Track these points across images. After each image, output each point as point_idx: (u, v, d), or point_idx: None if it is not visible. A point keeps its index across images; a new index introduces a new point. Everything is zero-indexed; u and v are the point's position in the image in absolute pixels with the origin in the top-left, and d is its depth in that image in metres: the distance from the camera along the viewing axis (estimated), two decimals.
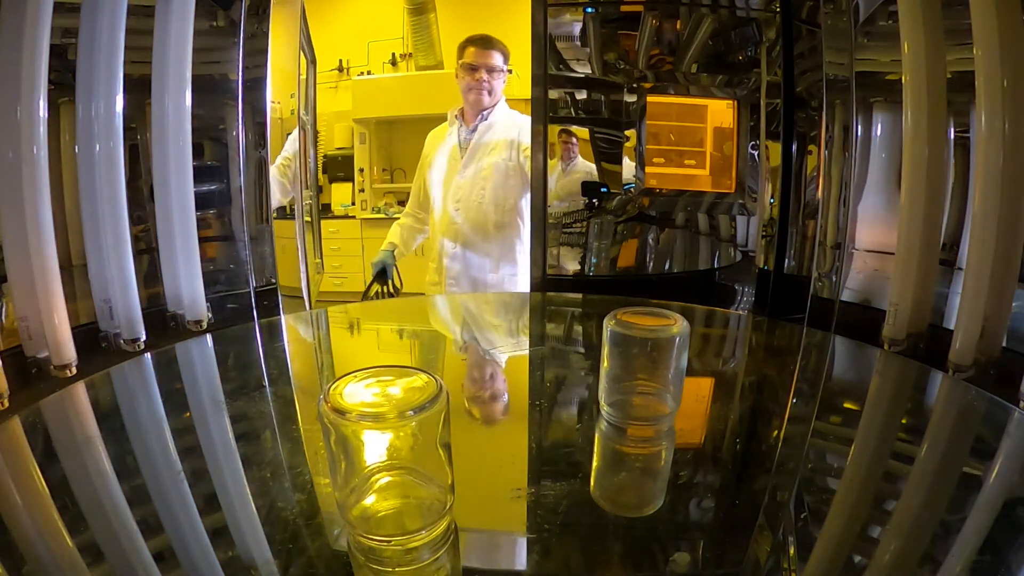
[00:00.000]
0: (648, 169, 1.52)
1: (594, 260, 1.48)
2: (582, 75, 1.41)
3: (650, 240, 1.50)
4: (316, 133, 2.20)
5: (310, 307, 1.52)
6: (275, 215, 1.33)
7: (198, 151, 1.10)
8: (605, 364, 0.59)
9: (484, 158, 1.67)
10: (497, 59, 1.64)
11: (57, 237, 0.84)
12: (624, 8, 1.40)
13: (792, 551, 0.42)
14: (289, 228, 1.50)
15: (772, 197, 1.40)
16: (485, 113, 1.67)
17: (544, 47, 1.37)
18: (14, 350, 0.82)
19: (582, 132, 1.44)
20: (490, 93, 1.65)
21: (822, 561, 0.40)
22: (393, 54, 4.48)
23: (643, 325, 0.56)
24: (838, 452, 0.59)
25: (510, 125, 1.69)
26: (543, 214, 1.44)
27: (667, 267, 1.51)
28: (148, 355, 0.90)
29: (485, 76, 1.63)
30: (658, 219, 1.50)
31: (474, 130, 1.67)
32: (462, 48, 1.68)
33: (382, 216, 4.32)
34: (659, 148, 1.54)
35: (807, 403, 0.74)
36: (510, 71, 1.71)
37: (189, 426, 0.66)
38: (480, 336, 1.10)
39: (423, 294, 1.85)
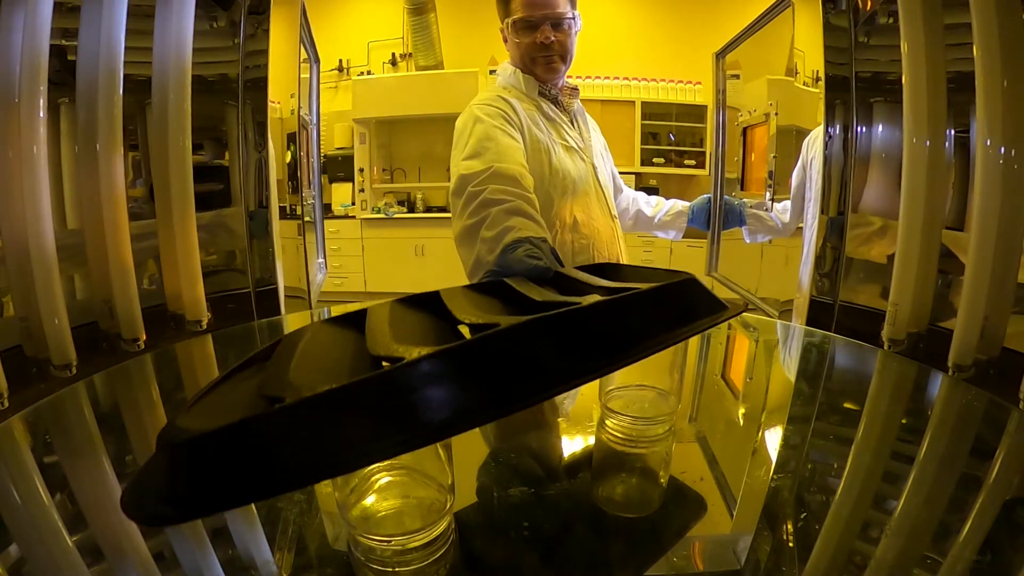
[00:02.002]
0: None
1: None
2: None
3: None
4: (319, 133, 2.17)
5: (311, 306, 1.52)
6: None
7: (198, 151, 1.10)
8: None
9: (595, 146, 1.25)
10: (561, 5, 1.11)
11: (57, 237, 0.84)
12: None
13: (792, 551, 0.42)
14: (291, 228, 1.50)
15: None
16: (579, 104, 1.22)
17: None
18: (14, 350, 0.82)
19: None
20: (563, 58, 1.14)
21: (822, 561, 0.40)
22: (393, 54, 4.48)
23: None
24: (838, 452, 0.59)
25: (589, 118, 1.29)
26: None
27: None
28: (148, 355, 0.90)
29: (552, 35, 1.10)
30: None
31: (577, 113, 1.23)
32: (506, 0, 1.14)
33: (382, 216, 4.32)
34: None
35: (807, 403, 0.74)
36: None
37: None
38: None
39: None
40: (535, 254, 0.75)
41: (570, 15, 1.12)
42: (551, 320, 0.34)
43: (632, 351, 0.36)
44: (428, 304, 0.50)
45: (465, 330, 0.43)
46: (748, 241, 1.61)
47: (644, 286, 0.44)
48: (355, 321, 0.46)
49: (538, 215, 0.91)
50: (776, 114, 1.44)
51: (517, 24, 1.11)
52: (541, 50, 1.11)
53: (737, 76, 1.69)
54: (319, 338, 0.42)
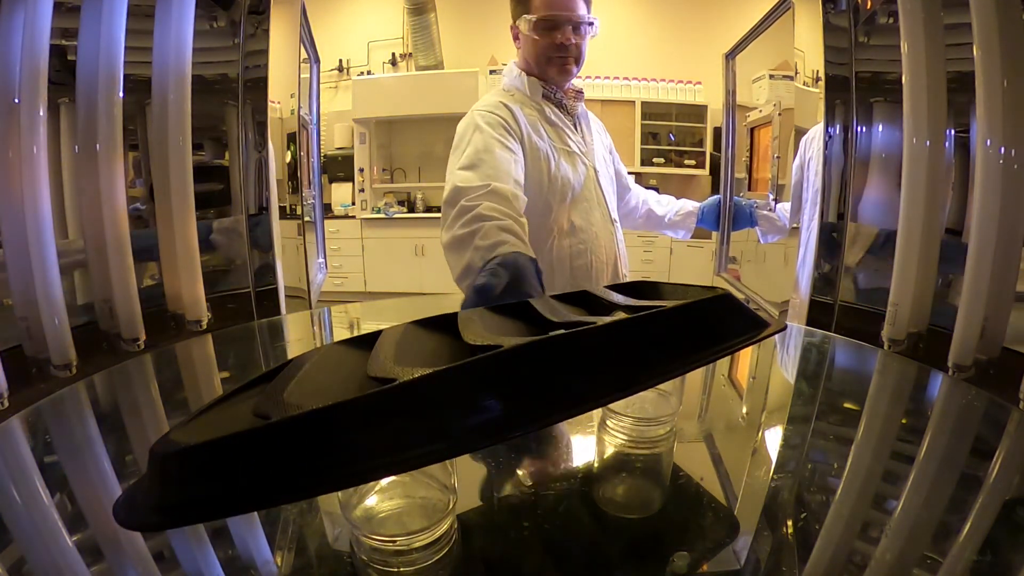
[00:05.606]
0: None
1: None
2: None
3: None
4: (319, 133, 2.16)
5: (311, 306, 1.52)
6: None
7: (198, 151, 1.10)
8: None
9: (597, 149, 1.22)
10: (582, 8, 1.10)
11: (57, 237, 0.84)
12: None
13: (792, 551, 0.42)
14: (291, 228, 1.50)
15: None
16: (582, 107, 1.21)
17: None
18: (14, 350, 0.82)
19: None
20: (576, 61, 1.13)
21: (822, 561, 0.40)
22: (393, 54, 4.48)
23: None
24: (838, 452, 0.59)
25: (594, 120, 1.26)
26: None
27: None
28: (148, 355, 0.90)
29: (571, 36, 1.09)
30: None
31: (580, 116, 1.20)
32: None
33: (382, 216, 4.32)
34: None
35: (807, 403, 0.74)
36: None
37: None
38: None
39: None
40: (518, 275, 0.76)
41: (589, 20, 1.10)
42: (557, 341, 0.32)
43: (648, 374, 0.34)
44: (445, 326, 0.49)
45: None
46: (762, 242, 1.62)
47: (669, 304, 0.41)
48: (367, 343, 0.45)
49: (527, 238, 0.92)
50: (780, 115, 1.44)
51: (538, 23, 1.08)
52: (558, 51, 1.09)
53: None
54: (324, 360, 0.42)
